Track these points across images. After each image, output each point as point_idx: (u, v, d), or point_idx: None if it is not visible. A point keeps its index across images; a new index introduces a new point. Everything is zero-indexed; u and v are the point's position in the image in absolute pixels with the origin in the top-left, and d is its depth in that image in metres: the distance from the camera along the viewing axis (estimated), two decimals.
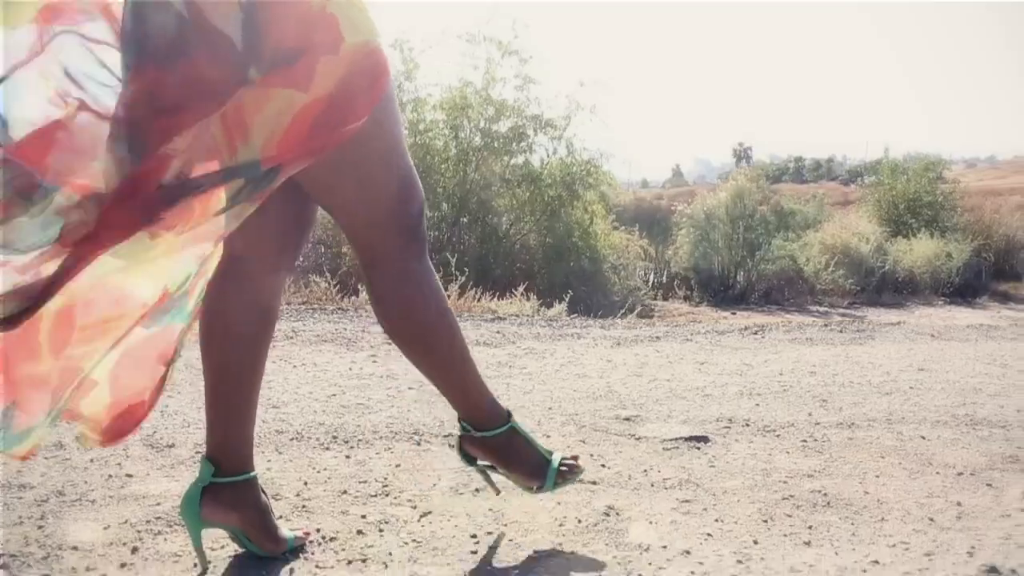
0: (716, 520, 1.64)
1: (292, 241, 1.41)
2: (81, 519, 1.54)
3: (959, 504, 1.76)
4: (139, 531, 1.50)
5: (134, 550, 1.42)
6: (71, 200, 1.08)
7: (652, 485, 1.84)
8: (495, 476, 1.58)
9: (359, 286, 4.94)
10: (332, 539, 1.49)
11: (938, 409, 2.62)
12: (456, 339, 1.43)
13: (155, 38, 1.09)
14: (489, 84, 9.60)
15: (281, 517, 1.55)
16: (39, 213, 1.08)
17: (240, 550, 1.41)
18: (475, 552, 1.46)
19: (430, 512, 1.64)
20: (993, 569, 1.42)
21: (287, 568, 1.37)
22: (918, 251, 11.91)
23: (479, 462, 1.55)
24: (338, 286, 5.27)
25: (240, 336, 1.38)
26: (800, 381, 3.02)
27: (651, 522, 1.62)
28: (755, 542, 1.54)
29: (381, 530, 1.54)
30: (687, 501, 1.74)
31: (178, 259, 1.22)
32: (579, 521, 1.61)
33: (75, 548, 1.42)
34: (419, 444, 2.09)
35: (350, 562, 1.40)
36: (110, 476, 1.77)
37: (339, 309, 4.50)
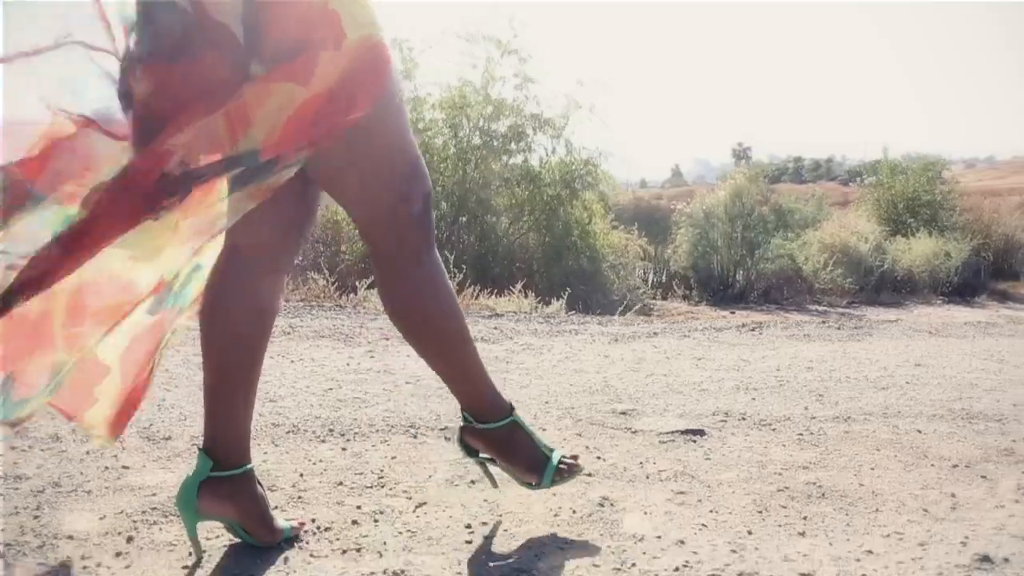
0: (711, 511, 1.64)
1: (292, 239, 1.41)
2: (77, 509, 1.55)
3: (953, 495, 1.76)
4: (135, 521, 1.50)
5: (129, 539, 1.42)
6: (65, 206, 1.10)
7: (647, 477, 1.85)
8: (493, 469, 1.59)
9: (357, 283, 4.94)
10: (327, 529, 1.50)
11: (934, 403, 2.62)
12: (461, 329, 1.44)
13: (162, 35, 1.11)
14: (488, 83, 9.60)
15: (277, 508, 1.56)
16: (34, 210, 1.10)
17: (235, 539, 1.42)
18: (470, 542, 1.46)
19: (425, 503, 1.64)
20: (986, 558, 1.43)
21: (282, 557, 1.38)
22: (917, 250, 11.91)
23: (480, 454, 1.56)
24: (336, 283, 5.27)
25: (239, 335, 1.38)
26: (797, 376, 3.02)
27: (646, 513, 1.62)
28: (749, 532, 1.54)
29: (376, 520, 1.54)
30: (682, 492, 1.75)
31: (179, 250, 1.23)
32: (574, 512, 1.61)
33: (70, 537, 1.42)
34: (415, 437, 2.10)
35: (344, 551, 1.41)
36: (106, 468, 1.77)
37: (337, 306, 4.50)
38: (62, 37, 1.14)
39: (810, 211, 13.21)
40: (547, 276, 8.97)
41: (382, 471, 1.82)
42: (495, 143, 9.62)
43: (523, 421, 1.53)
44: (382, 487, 1.73)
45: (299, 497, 1.65)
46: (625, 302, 7.76)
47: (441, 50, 11.82)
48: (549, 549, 1.44)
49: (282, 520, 1.46)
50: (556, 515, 1.59)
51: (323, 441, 2.03)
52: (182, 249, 1.24)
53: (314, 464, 1.86)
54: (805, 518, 1.62)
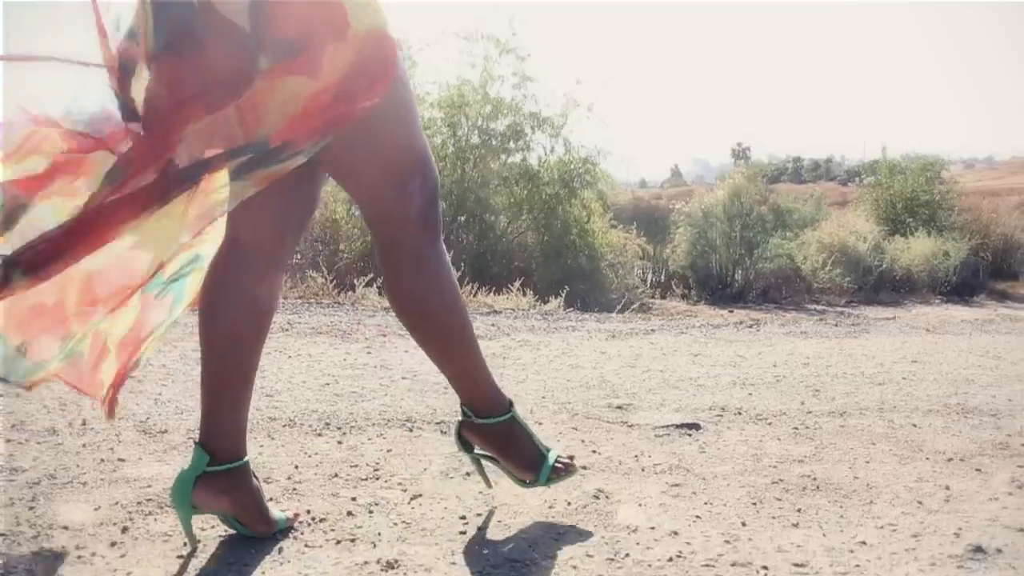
0: (705, 503, 1.65)
1: (292, 233, 1.42)
2: (72, 501, 1.55)
3: (947, 488, 1.76)
4: (130, 512, 1.50)
5: (124, 530, 1.43)
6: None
7: (642, 470, 1.85)
8: (487, 466, 1.59)
9: (355, 281, 4.94)
10: (322, 520, 1.50)
11: (930, 399, 2.63)
12: (464, 323, 1.45)
13: (171, 31, 1.12)
14: (486, 82, 9.60)
15: (271, 499, 1.56)
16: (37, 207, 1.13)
17: (230, 530, 1.42)
18: (464, 533, 1.47)
19: (420, 495, 1.64)
20: (979, 549, 1.43)
21: (276, 547, 1.38)
22: (915, 250, 11.90)
23: (475, 451, 1.56)
24: (335, 281, 5.27)
25: (237, 332, 1.39)
26: (793, 372, 3.03)
27: (640, 505, 1.63)
28: (743, 524, 1.54)
29: (371, 511, 1.55)
30: (677, 485, 1.75)
31: (179, 234, 1.24)
32: (568, 504, 1.62)
33: (65, 528, 1.42)
34: (411, 431, 2.10)
35: (339, 542, 1.41)
36: (102, 460, 1.77)
37: (335, 303, 4.51)
38: (53, 52, 1.16)
39: (809, 211, 13.21)
40: (545, 275, 8.97)
41: (377, 464, 1.83)
42: (493, 142, 9.61)
43: (521, 418, 1.54)
44: (377, 479, 1.73)
45: (294, 489, 1.66)
46: (623, 300, 7.76)
47: (440, 49, 11.83)
48: (543, 540, 1.44)
49: (277, 511, 1.47)
50: (551, 507, 1.60)
51: (319, 435, 2.03)
52: (182, 233, 1.25)
53: (309, 457, 1.86)
54: (799, 510, 1.62)
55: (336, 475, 1.74)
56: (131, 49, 1.19)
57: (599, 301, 8.10)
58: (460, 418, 1.54)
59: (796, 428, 2.23)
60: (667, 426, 2.20)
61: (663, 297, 10.86)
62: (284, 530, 1.44)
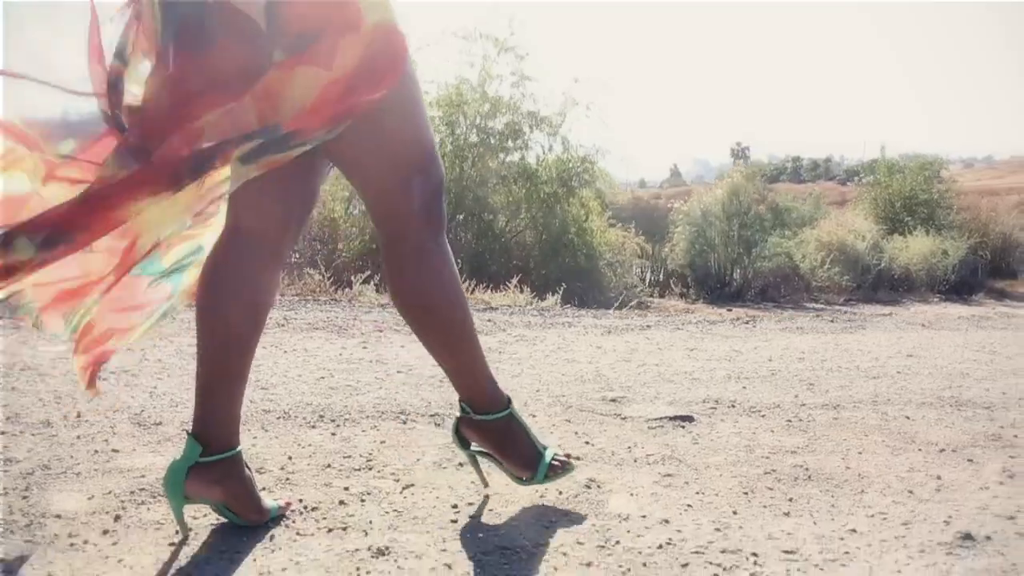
0: (697, 493, 1.65)
1: (292, 225, 1.43)
2: (66, 490, 1.55)
3: (939, 478, 1.77)
4: (122, 501, 1.51)
5: (117, 518, 1.43)
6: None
7: (635, 461, 1.85)
8: (484, 464, 1.60)
9: (353, 278, 4.95)
10: (314, 509, 1.50)
11: (924, 392, 2.63)
12: (465, 318, 1.46)
13: (183, 26, 1.15)
14: (485, 81, 9.60)
15: (264, 489, 1.57)
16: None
17: (222, 519, 1.43)
18: (455, 521, 1.47)
19: (413, 485, 1.65)
20: (968, 536, 1.44)
21: (268, 535, 1.39)
22: (914, 248, 11.90)
23: (472, 447, 1.57)
24: (332, 279, 5.27)
25: (234, 325, 1.39)
26: (788, 366, 3.03)
27: (632, 494, 1.63)
28: (734, 512, 1.55)
29: (363, 500, 1.55)
30: (669, 475, 1.75)
31: (181, 216, 1.25)
32: (560, 493, 1.62)
33: (58, 516, 1.43)
34: (405, 423, 2.11)
35: (330, 530, 1.41)
36: (96, 451, 1.78)
37: (332, 300, 4.51)
38: (48, 74, 1.19)
39: (807, 210, 13.22)
40: (544, 274, 8.97)
41: (370, 454, 1.83)
42: (492, 140, 9.62)
43: (519, 416, 1.55)
44: (370, 469, 1.73)
45: (287, 479, 1.66)
46: (620, 298, 7.77)
47: (439, 48, 11.82)
48: (534, 528, 1.45)
49: (269, 500, 1.47)
50: (542, 496, 1.60)
51: (313, 427, 2.04)
52: (184, 214, 1.26)
53: (303, 448, 1.86)
54: (791, 499, 1.63)
55: (329, 466, 1.75)
56: (117, 67, 1.22)
57: (597, 299, 8.10)
58: (458, 414, 1.54)
59: (789, 420, 2.24)
60: (660, 418, 2.21)
61: (662, 296, 10.87)
62: (276, 519, 1.45)
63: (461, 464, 1.77)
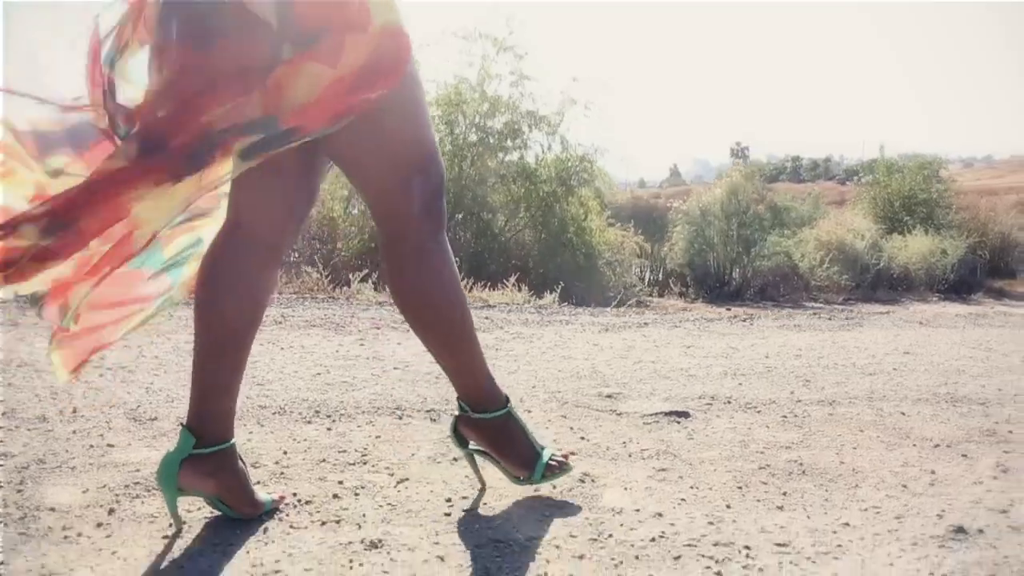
0: (691, 487, 1.66)
1: (292, 222, 1.44)
2: (60, 484, 1.56)
3: (933, 472, 1.77)
4: (117, 495, 1.51)
5: (111, 511, 1.43)
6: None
7: (630, 455, 1.86)
8: (480, 462, 1.60)
9: (351, 276, 4.95)
10: (308, 502, 1.51)
11: (920, 388, 2.64)
12: (465, 317, 1.47)
13: (189, 19, 1.16)
14: (484, 80, 9.61)
15: (259, 483, 1.57)
16: None
17: (216, 512, 1.43)
18: (449, 514, 1.47)
19: (407, 479, 1.65)
20: (960, 529, 1.44)
21: (262, 528, 1.39)
22: (913, 248, 11.91)
23: (470, 446, 1.57)
24: (330, 277, 5.27)
25: (231, 319, 1.40)
26: (785, 363, 3.03)
27: (626, 488, 1.64)
28: (728, 506, 1.55)
29: (357, 494, 1.56)
30: (663, 470, 1.76)
31: (178, 208, 1.25)
32: (554, 487, 1.62)
33: (52, 509, 1.43)
34: (400, 418, 2.11)
35: (324, 523, 1.42)
36: (91, 446, 1.78)
37: (330, 298, 4.51)
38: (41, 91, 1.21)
39: (806, 209, 13.22)
40: (543, 273, 8.98)
41: (365, 449, 1.83)
42: (491, 140, 9.62)
43: (517, 415, 1.55)
44: (365, 464, 1.74)
45: (281, 473, 1.66)
46: (619, 297, 7.78)
47: (438, 48, 11.82)
48: (527, 521, 1.45)
49: (263, 494, 1.47)
50: (536, 490, 1.60)
51: (309, 422, 2.04)
52: (181, 207, 1.26)
53: (298, 443, 1.87)
54: (784, 493, 1.63)
55: (324, 460, 1.75)
56: (110, 75, 1.25)
57: (596, 299, 8.11)
58: (456, 412, 1.55)
59: (785, 416, 2.24)
60: (656, 414, 2.21)
61: (661, 295, 10.87)
62: (270, 512, 1.45)
63: (455, 459, 1.77)
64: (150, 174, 1.12)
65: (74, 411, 2.02)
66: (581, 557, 1.31)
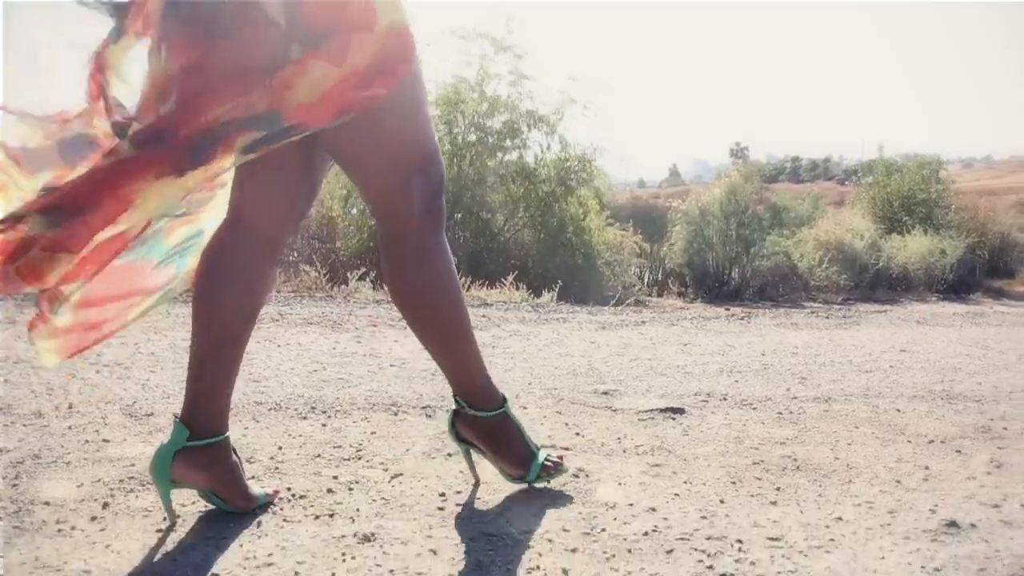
0: (685, 482, 1.66)
1: (293, 217, 1.45)
2: (55, 478, 1.56)
3: (927, 468, 1.78)
4: (111, 489, 1.52)
5: (105, 505, 1.44)
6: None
7: (624, 451, 1.86)
8: (474, 456, 1.60)
9: (349, 274, 4.95)
10: (302, 497, 1.51)
11: (916, 386, 2.64)
12: (462, 317, 1.48)
13: (196, 15, 1.17)
14: (483, 80, 9.61)
15: (253, 478, 1.57)
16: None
17: (210, 506, 1.43)
18: (442, 508, 1.48)
19: (401, 474, 1.65)
20: (953, 523, 1.45)
21: (255, 521, 1.39)
22: (912, 248, 11.91)
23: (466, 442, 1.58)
24: (328, 276, 5.27)
25: (231, 311, 1.40)
26: (781, 361, 3.04)
27: (620, 483, 1.64)
28: (721, 501, 1.56)
29: (351, 489, 1.56)
30: (657, 465, 1.76)
31: (178, 198, 1.26)
32: (548, 482, 1.62)
33: (47, 503, 1.43)
34: (396, 414, 2.11)
35: (317, 517, 1.42)
36: (87, 441, 1.79)
37: (328, 296, 4.52)
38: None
39: (805, 209, 13.22)
40: (541, 272, 8.98)
41: (360, 445, 1.84)
42: (490, 139, 9.62)
43: (514, 415, 1.56)
44: (359, 459, 1.74)
45: (276, 468, 1.67)
46: (617, 296, 7.78)
47: (437, 48, 11.83)
48: (521, 515, 1.45)
49: (257, 488, 1.48)
50: (530, 484, 1.60)
51: (304, 418, 2.05)
52: (180, 197, 1.27)
53: (293, 438, 1.87)
54: (778, 488, 1.63)
55: (319, 455, 1.75)
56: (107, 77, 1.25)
57: (595, 298, 8.11)
58: (453, 407, 1.55)
59: (780, 413, 2.25)
60: (651, 410, 2.21)
61: (660, 295, 10.87)
62: (263, 506, 1.45)
63: (450, 454, 1.77)
64: (152, 167, 1.13)
65: (70, 407, 2.02)
66: (574, 550, 1.31)
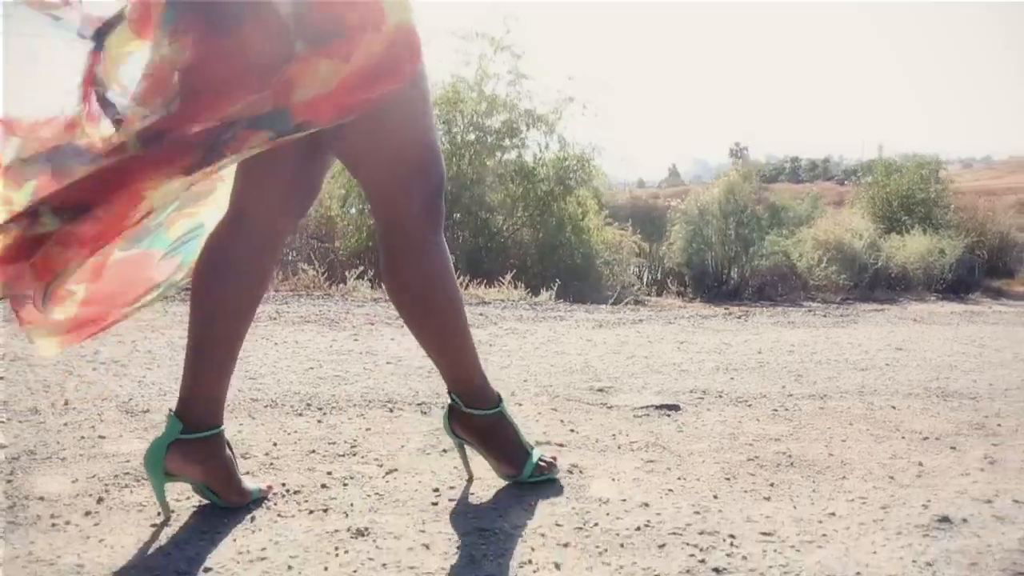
0: (678, 478, 1.66)
1: (295, 211, 1.46)
2: (50, 474, 1.56)
3: (920, 464, 1.78)
4: (106, 484, 1.52)
5: (99, 500, 1.44)
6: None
7: (618, 447, 1.86)
8: (469, 452, 1.61)
9: (346, 273, 4.95)
10: (296, 492, 1.51)
11: (911, 383, 2.64)
12: (460, 316, 1.49)
13: (212, 13, 1.17)
14: (482, 79, 9.62)
15: (248, 473, 1.58)
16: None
17: (204, 501, 1.44)
18: (436, 504, 1.48)
19: (396, 470, 1.66)
20: (945, 519, 1.45)
21: (249, 516, 1.40)
22: (911, 247, 11.91)
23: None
24: (326, 274, 5.28)
25: (229, 303, 1.41)
26: (777, 358, 3.04)
27: (614, 479, 1.64)
28: (715, 497, 1.56)
29: (345, 484, 1.56)
30: (651, 461, 1.76)
31: (181, 189, 1.26)
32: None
33: (41, 499, 1.44)
34: (391, 411, 2.12)
35: (311, 512, 1.42)
36: (82, 437, 1.79)
37: (326, 295, 4.52)
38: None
39: (804, 209, 13.23)
40: (540, 272, 8.98)
41: (355, 441, 1.84)
42: (489, 139, 9.63)
43: (509, 415, 1.56)
44: (354, 455, 1.74)
45: (271, 464, 1.67)
46: (616, 295, 7.78)
47: (436, 48, 11.83)
48: (514, 510, 1.46)
49: (251, 483, 1.48)
50: None
51: (300, 415, 2.05)
52: (184, 189, 1.27)
53: (288, 435, 1.87)
54: (772, 484, 1.64)
55: (313, 451, 1.76)
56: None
57: (593, 298, 8.11)
58: (449, 402, 1.56)
59: (775, 410, 2.25)
60: (647, 407, 2.22)
61: (659, 295, 10.87)
62: (257, 501, 1.46)
63: (445, 450, 1.78)
64: (163, 165, 1.14)
65: (66, 404, 2.02)
66: (566, 545, 1.32)
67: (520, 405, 2.20)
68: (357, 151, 1.36)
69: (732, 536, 1.37)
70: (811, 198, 14.86)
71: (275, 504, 1.45)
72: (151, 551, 1.26)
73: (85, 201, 1.13)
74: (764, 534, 1.38)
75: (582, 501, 1.51)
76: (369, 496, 1.51)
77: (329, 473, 1.62)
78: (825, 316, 4.36)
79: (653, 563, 1.26)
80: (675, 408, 2.22)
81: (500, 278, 5.66)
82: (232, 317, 1.41)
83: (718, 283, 11.23)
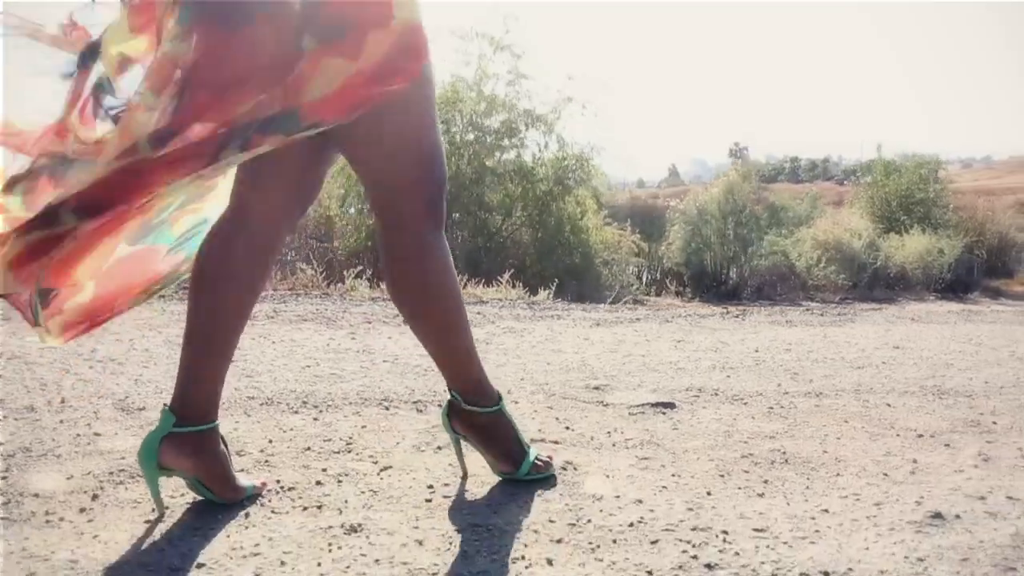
0: (673, 475, 1.67)
1: (296, 209, 1.47)
2: (45, 471, 1.57)
3: (915, 461, 1.78)
4: (101, 481, 1.52)
5: (94, 497, 1.44)
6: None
7: (613, 445, 1.87)
8: (465, 448, 1.61)
9: (344, 272, 4.96)
10: (291, 489, 1.52)
11: (907, 381, 2.65)
12: (460, 314, 1.49)
13: (223, 9, 1.18)
14: (481, 79, 9.62)
15: (243, 470, 1.58)
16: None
17: (198, 498, 1.44)
18: (430, 500, 1.49)
19: (390, 467, 1.66)
20: (938, 515, 1.45)
21: (243, 512, 1.40)
22: (910, 247, 11.91)
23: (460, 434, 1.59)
24: (325, 274, 5.28)
25: (227, 299, 1.42)
26: (774, 357, 3.04)
27: (608, 476, 1.65)
28: (708, 493, 1.56)
29: (340, 481, 1.57)
30: (646, 459, 1.77)
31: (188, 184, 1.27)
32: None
33: (36, 495, 1.44)
34: (387, 409, 2.12)
35: (305, 508, 1.43)
36: (78, 435, 1.79)
37: (324, 294, 4.52)
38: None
39: (804, 209, 13.23)
40: (539, 272, 8.98)
41: (351, 438, 1.84)
42: (488, 139, 9.63)
43: (508, 413, 1.57)
44: (349, 452, 1.75)
45: (266, 461, 1.67)
46: (614, 295, 7.78)
47: (436, 47, 11.83)
48: (507, 507, 1.46)
49: (245, 479, 1.48)
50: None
51: (295, 412, 2.05)
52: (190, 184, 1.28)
53: (284, 432, 1.88)
54: (766, 481, 1.64)
55: (309, 449, 1.76)
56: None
57: (592, 298, 8.11)
58: (448, 398, 1.56)
59: (771, 407, 2.25)
60: (642, 405, 2.22)
61: (658, 294, 10.87)
62: (251, 497, 1.46)
63: (439, 448, 1.78)
64: (176, 168, 1.15)
65: (62, 401, 2.03)
66: (559, 541, 1.32)
67: (516, 403, 2.21)
68: (359, 150, 1.37)
69: (725, 532, 1.37)
70: (810, 198, 14.87)
71: (269, 500, 1.46)
72: (145, 547, 1.26)
73: (105, 200, 1.16)
74: (757, 530, 1.38)
75: (576, 498, 1.51)
76: (363, 493, 1.51)
77: (324, 470, 1.62)
78: (823, 315, 4.36)
79: (645, 559, 1.26)
80: (671, 406, 2.22)
81: (499, 278, 5.66)
82: (230, 313, 1.42)
83: (717, 283, 11.23)
